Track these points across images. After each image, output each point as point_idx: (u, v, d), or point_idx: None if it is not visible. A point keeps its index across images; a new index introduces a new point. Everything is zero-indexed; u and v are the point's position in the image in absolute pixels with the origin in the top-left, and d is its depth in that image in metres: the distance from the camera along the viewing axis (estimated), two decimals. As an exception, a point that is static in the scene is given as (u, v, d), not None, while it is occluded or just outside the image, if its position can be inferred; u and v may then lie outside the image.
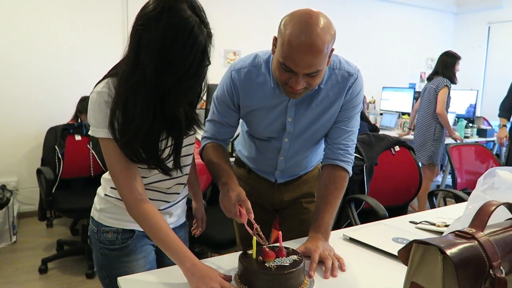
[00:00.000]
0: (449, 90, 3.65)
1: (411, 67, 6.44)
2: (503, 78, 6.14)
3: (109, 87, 1.01)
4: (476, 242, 0.68)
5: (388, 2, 5.97)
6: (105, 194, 1.17)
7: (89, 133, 1.05)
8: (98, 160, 3.17)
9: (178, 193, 1.24)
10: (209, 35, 0.97)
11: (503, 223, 0.77)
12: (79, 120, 3.41)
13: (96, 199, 1.22)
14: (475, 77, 6.52)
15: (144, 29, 0.92)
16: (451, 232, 0.72)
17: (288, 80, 1.13)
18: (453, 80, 3.71)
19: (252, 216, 1.09)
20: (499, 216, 0.79)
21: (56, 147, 3.04)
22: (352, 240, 1.31)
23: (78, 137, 3.16)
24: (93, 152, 3.17)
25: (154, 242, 1.05)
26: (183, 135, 1.11)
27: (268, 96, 1.28)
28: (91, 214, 1.22)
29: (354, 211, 1.98)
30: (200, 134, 1.30)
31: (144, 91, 0.95)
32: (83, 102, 3.39)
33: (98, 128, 1.02)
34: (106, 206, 1.17)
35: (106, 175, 1.20)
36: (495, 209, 0.72)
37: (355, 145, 1.38)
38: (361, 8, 5.74)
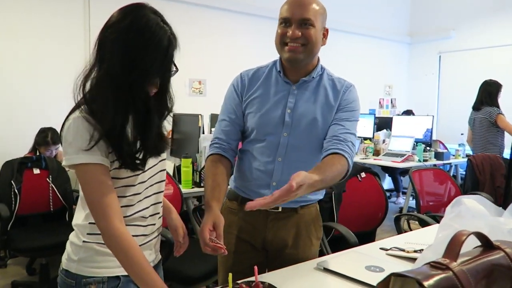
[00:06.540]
0: None
1: (370, 94, 6.71)
2: (455, 103, 6.55)
3: (82, 112, 1.00)
4: (450, 272, 0.70)
5: (348, 33, 6.25)
6: (84, 241, 1.08)
7: (64, 163, 1.00)
8: (58, 194, 3.03)
9: (154, 224, 1.19)
10: (173, 35, 1.04)
11: (472, 251, 0.79)
12: (38, 153, 3.26)
13: (70, 248, 1.10)
14: (430, 103, 6.89)
15: (110, 32, 1.00)
16: (426, 264, 0.74)
17: (286, 36, 1.31)
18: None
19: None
20: (467, 244, 0.82)
21: (12, 182, 2.87)
22: (326, 270, 1.31)
23: (36, 171, 3.01)
24: (53, 186, 3.03)
25: (130, 276, 0.99)
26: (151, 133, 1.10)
27: (271, 83, 1.43)
28: (63, 267, 1.10)
29: (325, 239, 1.99)
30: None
31: (110, 85, 0.99)
32: (42, 134, 3.26)
33: (78, 154, 0.97)
34: (86, 255, 1.07)
35: (78, 221, 1.10)
36: (465, 238, 0.75)
37: (354, 147, 1.36)
38: (322, 39, 5.96)
